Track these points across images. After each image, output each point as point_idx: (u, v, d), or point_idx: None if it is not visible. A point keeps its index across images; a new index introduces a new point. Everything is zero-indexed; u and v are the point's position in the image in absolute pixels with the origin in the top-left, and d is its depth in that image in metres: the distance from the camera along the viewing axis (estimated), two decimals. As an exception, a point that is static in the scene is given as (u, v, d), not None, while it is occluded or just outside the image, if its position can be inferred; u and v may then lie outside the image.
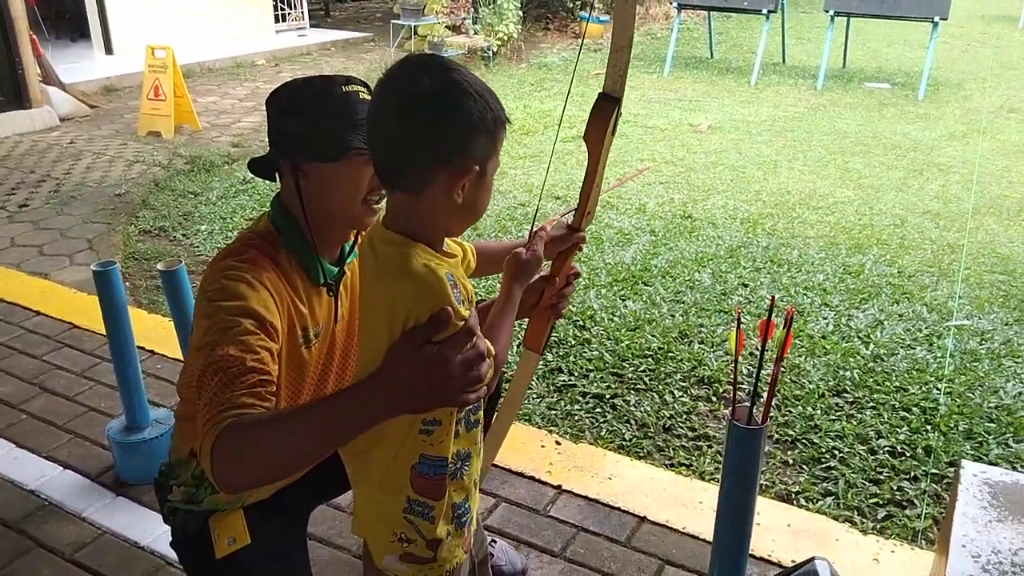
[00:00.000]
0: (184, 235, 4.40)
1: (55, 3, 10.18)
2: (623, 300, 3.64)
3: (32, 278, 3.86)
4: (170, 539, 1.60)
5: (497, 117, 1.17)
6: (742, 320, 3.43)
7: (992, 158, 5.94)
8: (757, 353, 1.70)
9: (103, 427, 2.53)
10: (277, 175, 1.53)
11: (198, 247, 4.25)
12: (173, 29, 9.12)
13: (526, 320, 1.58)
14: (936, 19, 7.81)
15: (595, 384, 2.96)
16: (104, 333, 2.43)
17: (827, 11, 8.33)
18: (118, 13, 8.97)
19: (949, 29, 10.17)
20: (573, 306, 3.54)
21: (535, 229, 1.47)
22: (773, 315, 1.56)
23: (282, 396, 1.50)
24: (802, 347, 3.23)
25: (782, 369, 2.28)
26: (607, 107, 1.38)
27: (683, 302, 3.63)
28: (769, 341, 1.54)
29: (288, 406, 1.51)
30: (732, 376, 1.69)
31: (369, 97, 1.48)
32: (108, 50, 9.07)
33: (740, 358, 1.65)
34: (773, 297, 1.70)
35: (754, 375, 1.60)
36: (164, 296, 3.14)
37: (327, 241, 1.53)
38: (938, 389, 2.97)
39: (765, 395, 1.61)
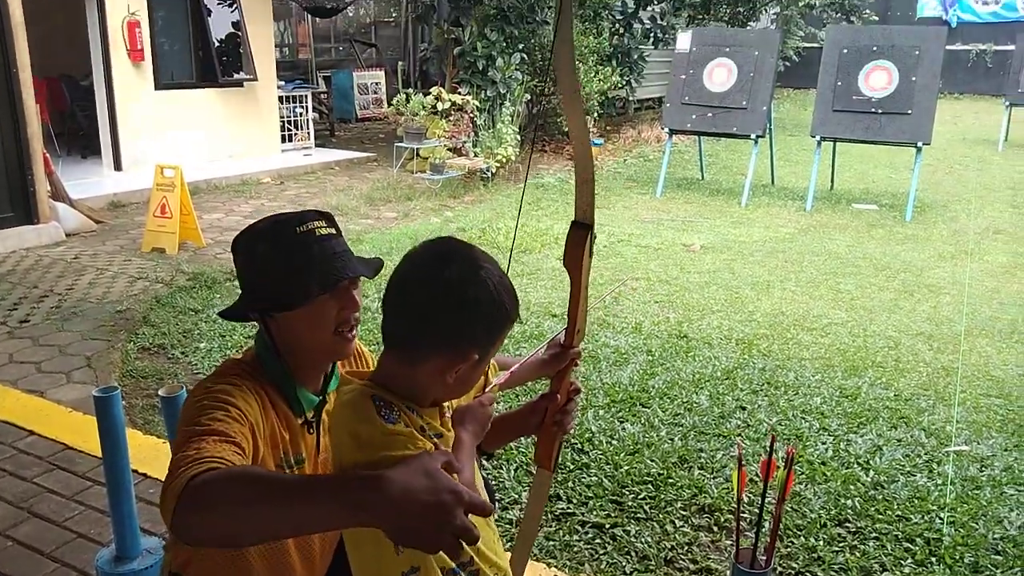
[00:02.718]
0: (183, 353, 4.41)
1: (68, 120, 10.56)
2: (621, 422, 3.63)
3: (28, 396, 3.85)
4: None
5: (508, 316, 1.25)
6: (742, 448, 3.42)
7: (981, 279, 6.05)
8: (759, 485, 1.70)
9: (91, 555, 2.47)
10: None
11: (196, 365, 4.26)
12: (181, 147, 9.44)
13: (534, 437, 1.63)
14: (920, 144, 8.11)
15: (594, 512, 2.91)
16: (98, 455, 2.42)
17: (814, 136, 8.65)
18: (129, 131, 9.29)
19: (933, 152, 10.53)
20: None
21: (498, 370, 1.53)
22: (773, 454, 1.57)
23: None
24: (802, 474, 3.20)
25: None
26: (580, 233, 1.47)
27: (682, 425, 3.62)
28: (771, 480, 1.54)
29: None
30: (736, 516, 1.68)
31: (331, 231, 1.54)
32: (117, 167, 9.33)
33: (742, 486, 1.66)
34: (774, 436, 1.71)
35: (757, 508, 1.60)
36: (162, 417, 3.14)
37: (306, 372, 1.56)
38: (941, 519, 2.93)
39: (769, 535, 1.60)
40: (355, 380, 1.26)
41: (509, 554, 1.58)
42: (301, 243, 1.49)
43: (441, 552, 1.02)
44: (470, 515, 1.01)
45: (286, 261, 1.47)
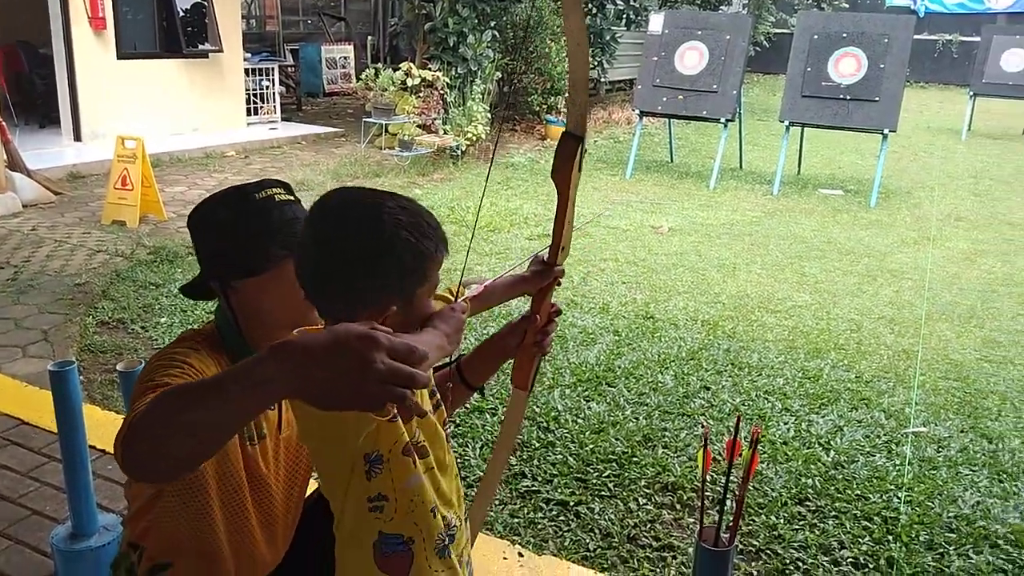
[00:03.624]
0: (143, 327, 4.33)
1: (26, 88, 10.26)
2: (587, 401, 3.64)
3: (-19, 370, 3.76)
4: None
5: (424, 253, 1.19)
6: (705, 425, 3.44)
7: (943, 265, 6.15)
8: (724, 464, 1.71)
9: (47, 533, 2.42)
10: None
11: (157, 340, 4.18)
12: (143, 118, 9.22)
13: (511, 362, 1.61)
14: (886, 131, 8.20)
15: (559, 490, 2.92)
16: (54, 431, 2.37)
17: (782, 121, 8.71)
18: (89, 101, 9.06)
19: (898, 140, 10.65)
20: (536, 407, 3.53)
21: (463, 282, 1.48)
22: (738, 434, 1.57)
23: (214, 488, 1.46)
24: (764, 453, 3.24)
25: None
26: (571, 145, 1.43)
27: (647, 404, 3.64)
28: (736, 460, 1.55)
29: (226, 500, 1.48)
30: (700, 495, 1.69)
31: (289, 198, 1.51)
32: (77, 137, 9.11)
33: (707, 465, 1.66)
34: (739, 417, 1.72)
35: (721, 487, 1.60)
36: (120, 392, 3.08)
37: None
38: (898, 498, 2.98)
39: (732, 515, 1.61)
40: None
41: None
42: (261, 208, 1.47)
43: (391, 412, 0.98)
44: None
45: (246, 226, 1.45)
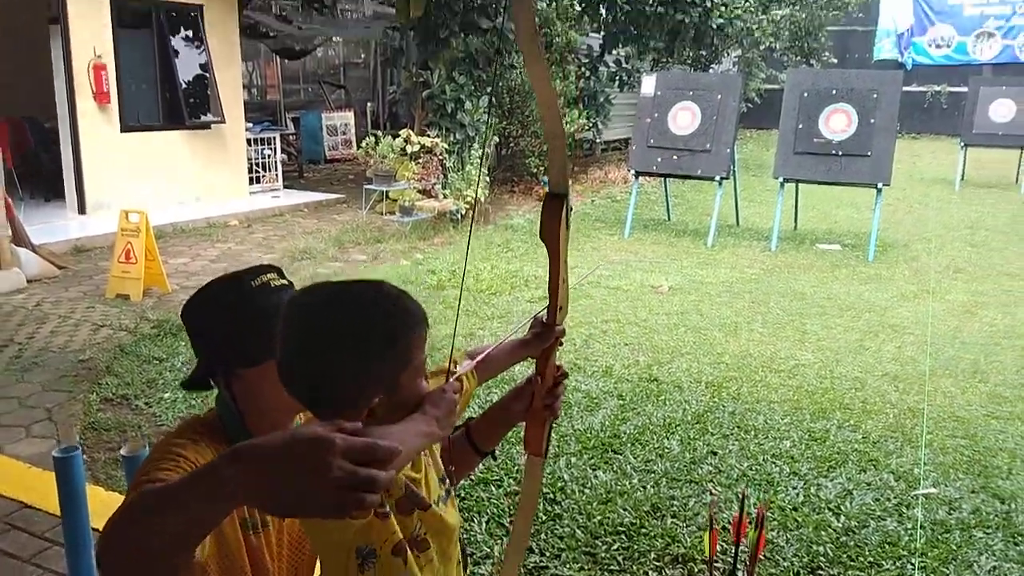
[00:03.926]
0: (147, 403, 4.32)
1: (31, 162, 10.42)
2: (594, 470, 3.61)
3: (-15, 452, 3.74)
4: None
5: (395, 337, 1.15)
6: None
7: (943, 319, 6.16)
8: (732, 536, 1.69)
9: (49, 623, 2.39)
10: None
11: (160, 416, 4.17)
12: (147, 189, 9.35)
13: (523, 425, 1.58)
14: (880, 185, 8.30)
15: (567, 565, 2.88)
16: (57, 514, 2.35)
17: (776, 177, 8.82)
18: (93, 174, 9.19)
19: (892, 192, 10.76)
20: (544, 477, 3.50)
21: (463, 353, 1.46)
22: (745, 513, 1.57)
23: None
24: (774, 520, 3.20)
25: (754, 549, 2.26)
26: (555, 204, 1.43)
27: (654, 471, 3.61)
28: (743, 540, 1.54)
29: None
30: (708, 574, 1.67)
31: (283, 282, 1.50)
32: (81, 210, 9.21)
33: (713, 546, 1.65)
34: (743, 494, 1.71)
35: (732, 558, 1.59)
36: (123, 473, 3.06)
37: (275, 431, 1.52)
38: (912, 564, 2.94)
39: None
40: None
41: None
42: (258, 297, 1.48)
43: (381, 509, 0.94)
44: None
45: (246, 316, 1.45)
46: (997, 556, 3.00)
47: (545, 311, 1.52)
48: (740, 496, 1.84)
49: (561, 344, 1.56)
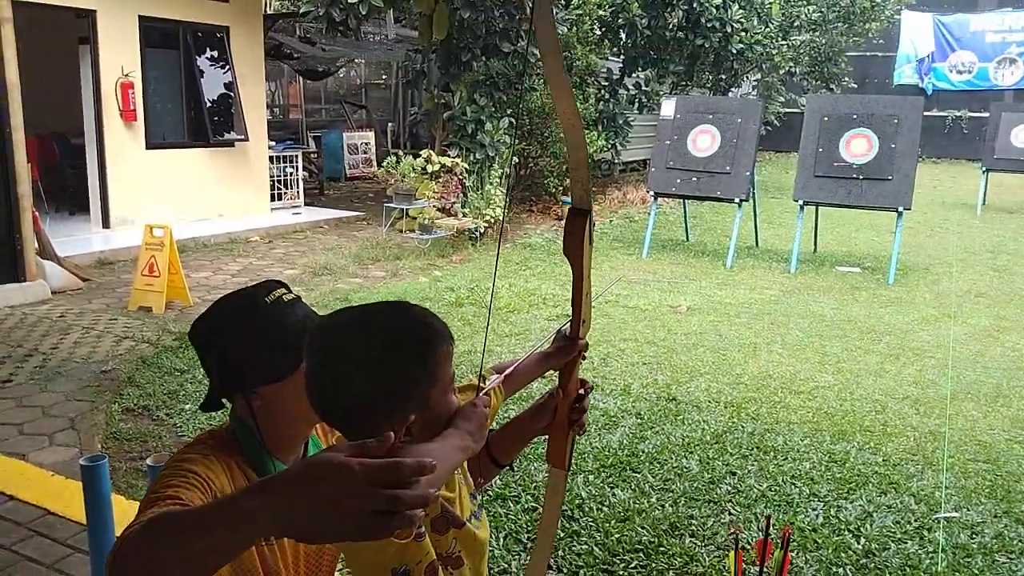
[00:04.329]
0: (168, 414, 4.36)
1: (57, 176, 10.60)
2: (611, 488, 3.60)
3: (9, 459, 3.79)
4: None
5: (423, 356, 1.16)
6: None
7: (965, 342, 6.11)
8: (752, 557, 1.69)
9: (71, 628, 2.41)
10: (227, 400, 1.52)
11: (181, 427, 4.21)
12: (170, 205, 9.48)
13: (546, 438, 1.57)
14: (900, 209, 8.27)
15: (585, 581, 2.88)
16: (80, 521, 2.38)
17: (796, 200, 8.81)
18: (118, 189, 9.32)
19: (913, 215, 10.72)
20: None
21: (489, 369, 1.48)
22: (769, 533, 1.57)
23: None
24: (794, 541, 3.18)
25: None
26: (579, 219, 1.45)
27: (672, 491, 3.60)
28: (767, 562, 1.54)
29: None
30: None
31: (293, 296, 1.50)
32: (105, 224, 9.34)
33: (739, 570, 1.65)
34: (768, 517, 1.71)
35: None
36: (148, 483, 3.09)
37: (288, 446, 1.51)
38: (934, 588, 2.91)
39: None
40: None
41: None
42: (275, 313, 1.46)
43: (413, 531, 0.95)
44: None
45: (264, 333, 1.44)
46: (1021, 581, 2.96)
47: (568, 325, 1.53)
48: (765, 517, 1.84)
49: (584, 358, 1.57)
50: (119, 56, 9.10)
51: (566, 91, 1.38)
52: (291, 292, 1.54)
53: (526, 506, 3.41)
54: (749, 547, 2.67)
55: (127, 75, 9.17)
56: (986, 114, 14.93)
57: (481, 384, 1.39)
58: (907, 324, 6.61)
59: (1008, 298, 7.59)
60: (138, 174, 9.47)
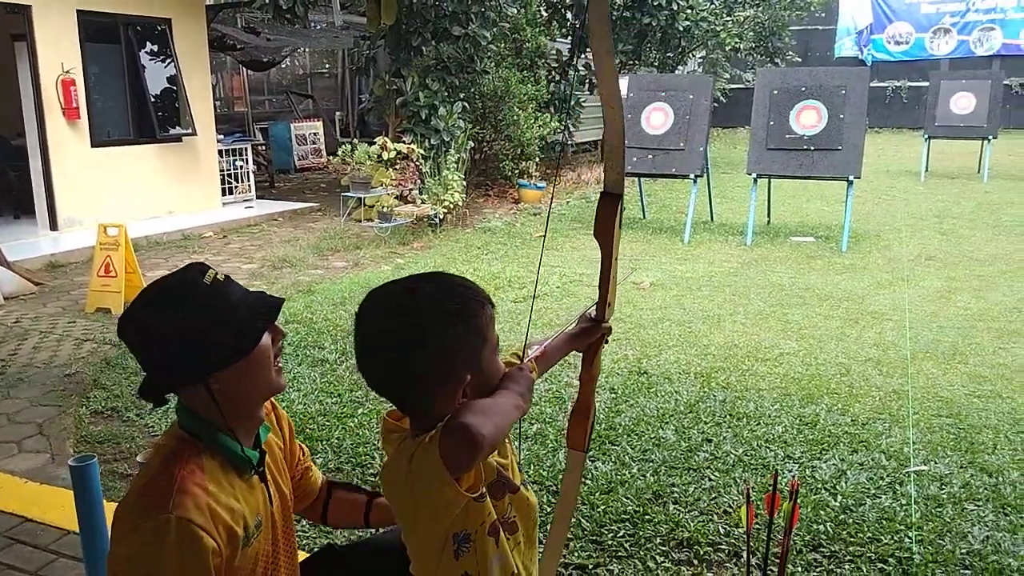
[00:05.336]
0: (138, 415, 4.29)
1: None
2: (593, 461, 3.65)
3: (-23, 469, 3.69)
4: None
5: (471, 316, 1.23)
6: (711, 478, 3.48)
7: (920, 304, 6.31)
8: (759, 515, 1.75)
9: (64, 633, 2.37)
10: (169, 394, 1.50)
11: (152, 427, 4.14)
12: (119, 204, 9.26)
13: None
14: (851, 178, 8.47)
15: (575, 554, 2.92)
16: (60, 526, 2.35)
17: (750, 173, 8.96)
18: (65, 190, 9.07)
19: (860, 184, 10.96)
20: (544, 471, 3.54)
21: (529, 342, 1.52)
22: (776, 488, 1.62)
23: None
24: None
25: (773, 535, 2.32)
26: (611, 203, 1.46)
27: (652, 461, 3.66)
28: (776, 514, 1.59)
29: None
30: (747, 551, 1.72)
31: (222, 275, 1.50)
32: (53, 226, 9.09)
33: (750, 521, 1.70)
34: (776, 473, 1.76)
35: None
36: (124, 484, 3.04)
37: (245, 426, 1.52)
38: (909, 538, 3.02)
39: (777, 567, 1.64)
40: (402, 429, 1.27)
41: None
42: (220, 293, 1.45)
43: (479, 490, 1.16)
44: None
45: (220, 315, 1.42)
46: (989, 526, 3.09)
47: (594, 307, 1.57)
48: (772, 472, 1.90)
49: (607, 341, 1.62)
50: (58, 52, 8.83)
51: (612, 75, 1.39)
52: (211, 267, 1.50)
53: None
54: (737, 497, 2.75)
55: (68, 72, 8.90)
56: (925, 83, 15.36)
57: (524, 353, 1.45)
58: (863, 289, 6.80)
59: (956, 260, 7.84)
60: (84, 173, 9.22)
